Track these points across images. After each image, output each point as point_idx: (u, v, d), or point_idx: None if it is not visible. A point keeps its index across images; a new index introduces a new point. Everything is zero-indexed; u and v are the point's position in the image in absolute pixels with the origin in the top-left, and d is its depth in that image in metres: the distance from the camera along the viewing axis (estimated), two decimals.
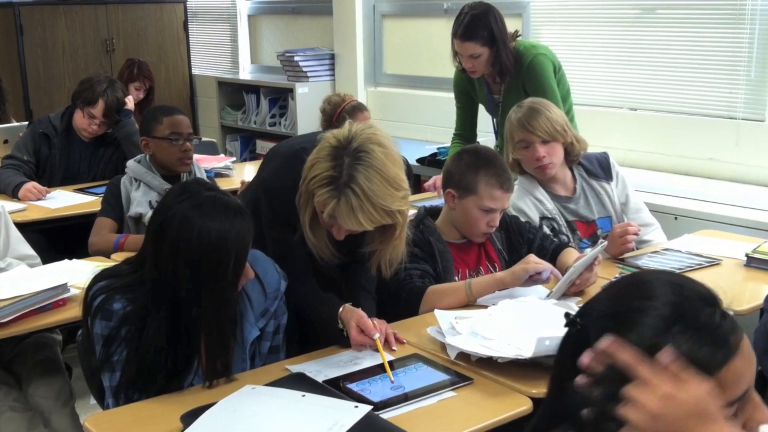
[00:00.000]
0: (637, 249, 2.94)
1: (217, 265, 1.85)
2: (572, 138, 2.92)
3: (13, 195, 3.72)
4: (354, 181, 1.99)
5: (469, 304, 2.36)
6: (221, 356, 1.91)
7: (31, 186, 3.72)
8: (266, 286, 2.07)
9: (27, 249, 2.85)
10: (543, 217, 2.90)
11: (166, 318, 1.86)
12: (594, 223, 2.97)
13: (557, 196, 2.97)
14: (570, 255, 2.61)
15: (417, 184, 4.08)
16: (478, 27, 3.46)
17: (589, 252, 2.46)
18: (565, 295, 2.44)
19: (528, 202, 2.91)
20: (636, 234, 2.77)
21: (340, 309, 2.17)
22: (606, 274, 2.59)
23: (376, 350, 2.08)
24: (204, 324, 1.88)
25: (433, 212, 2.65)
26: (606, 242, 2.67)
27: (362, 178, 1.99)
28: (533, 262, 2.34)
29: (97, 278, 1.97)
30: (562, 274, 2.45)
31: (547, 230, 2.84)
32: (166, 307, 1.86)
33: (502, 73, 3.57)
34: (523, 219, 2.84)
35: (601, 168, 3.03)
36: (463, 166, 2.52)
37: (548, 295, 2.38)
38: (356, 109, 3.86)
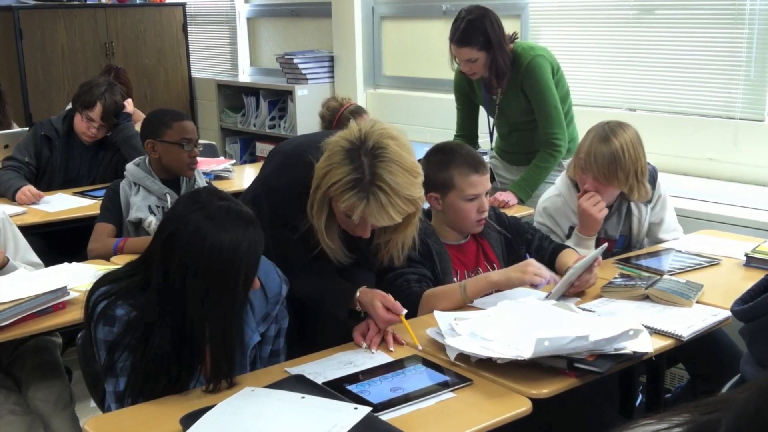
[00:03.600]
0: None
1: (228, 277, 1.83)
2: (635, 189, 2.82)
3: (13, 198, 3.73)
4: (379, 178, 2.01)
5: (465, 305, 2.36)
6: (225, 364, 1.91)
7: (26, 189, 3.72)
8: (267, 291, 2.06)
9: (33, 257, 2.86)
10: (572, 227, 2.91)
11: (173, 326, 1.85)
12: (614, 242, 2.98)
13: None
14: (569, 256, 2.62)
15: None
16: (474, 32, 3.47)
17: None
18: (564, 295, 2.44)
19: (558, 210, 2.93)
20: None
21: (358, 293, 2.20)
22: (605, 276, 2.59)
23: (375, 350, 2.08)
24: (210, 334, 1.87)
25: (430, 213, 2.65)
26: (605, 245, 2.67)
27: (386, 174, 2.01)
28: (531, 272, 2.30)
29: (99, 283, 1.96)
30: (562, 275, 2.45)
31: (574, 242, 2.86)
32: (172, 315, 1.85)
33: (498, 76, 3.58)
34: (550, 223, 2.90)
35: None
36: (434, 167, 2.54)
37: (547, 296, 2.38)
38: (355, 113, 3.85)
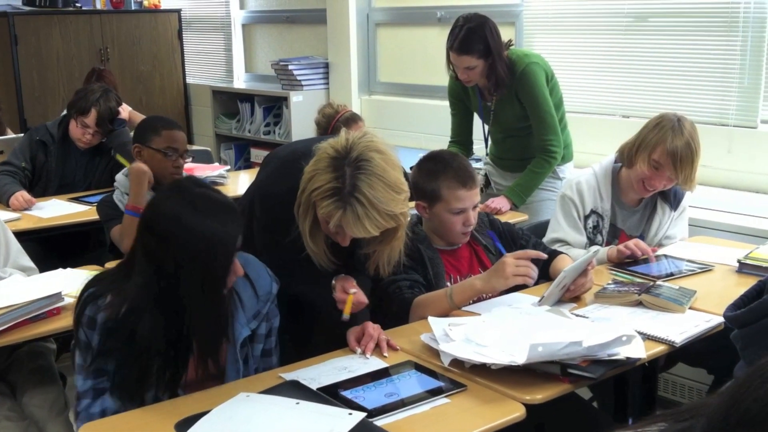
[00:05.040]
0: None
1: (205, 260, 1.86)
2: (689, 184, 2.89)
3: (7, 204, 3.72)
4: (358, 190, 2.02)
5: (453, 311, 2.36)
6: (212, 353, 1.93)
7: (20, 195, 3.72)
8: (258, 288, 2.09)
9: (26, 261, 2.85)
10: (593, 211, 2.95)
11: (158, 310, 1.87)
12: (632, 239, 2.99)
13: (621, 202, 3.02)
14: (564, 262, 2.62)
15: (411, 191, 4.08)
16: (474, 40, 3.48)
17: (582, 257, 2.47)
18: (560, 301, 2.45)
19: (590, 189, 2.96)
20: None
21: (333, 280, 2.25)
22: (599, 281, 2.60)
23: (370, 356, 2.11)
24: (193, 320, 1.89)
25: (422, 219, 2.66)
26: (599, 249, 2.68)
27: (365, 187, 2.02)
28: (510, 274, 2.28)
29: (89, 285, 1.98)
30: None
31: (590, 223, 2.89)
32: (156, 298, 1.87)
33: (497, 85, 3.59)
34: (576, 198, 2.92)
35: (674, 194, 3.04)
36: (424, 176, 2.55)
37: (540, 301, 2.39)
38: (350, 120, 3.87)
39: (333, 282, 2.26)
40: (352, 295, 2.19)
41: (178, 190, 1.92)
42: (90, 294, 1.94)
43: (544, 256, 2.40)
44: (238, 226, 1.91)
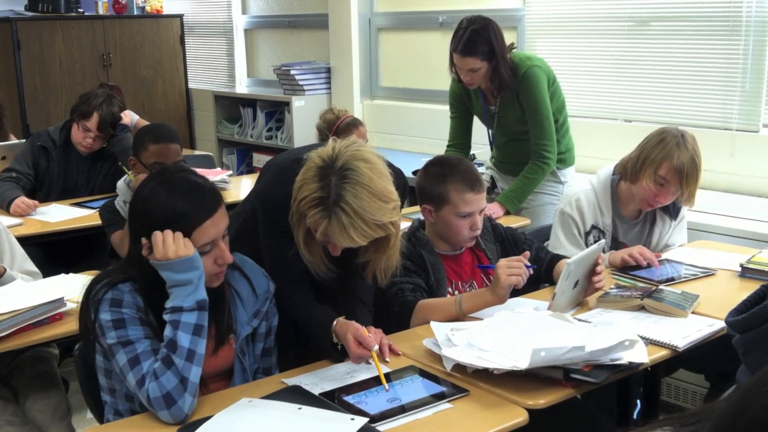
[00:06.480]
0: None
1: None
2: (690, 200, 2.90)
3: (8, 210, 3.73)
4: (342, 199, 2.00)
5: (459, 319, 2.35)
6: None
7: (20, 201, 3.72)
8: (256, 287, 2.12)
9: (30, 266, 2.86)
10: (595, 226, 2.94)
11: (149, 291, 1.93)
12: None
13: (621, 215, 3.01)
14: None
15: (413, 196, 4.08)
16: (478, 42, 3.49)
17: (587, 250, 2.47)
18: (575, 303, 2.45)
19: (590, 205, 2.95)
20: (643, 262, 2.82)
21: (334, 323, 2.16)
22: None
23: (373, 362, 2.09)
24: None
25: (425, 224, 2.66)
26: (604, 242, 2.68)
27: (350, 196, 2.00)
28: (503, 275, 2.27)
29: (96, 280, 1.98)
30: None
31: (592, 239, 2.90)
32: (145, 279, 1.92)
33: (501, 87, 3.58)
34: (576, 216, 2.91)
35: (673, 204, 3.02)
36: (431, 179, 2.54)
37: (551, 301, 2.37)
38: (351, 126, 3.87)
39: (333, 324, 2.16)
40: (374, 352, 2.08)
41: (159, 175, 2.00)
42: (105, 282, 1.94)
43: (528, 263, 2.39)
44: (210, 207, 1.94)
